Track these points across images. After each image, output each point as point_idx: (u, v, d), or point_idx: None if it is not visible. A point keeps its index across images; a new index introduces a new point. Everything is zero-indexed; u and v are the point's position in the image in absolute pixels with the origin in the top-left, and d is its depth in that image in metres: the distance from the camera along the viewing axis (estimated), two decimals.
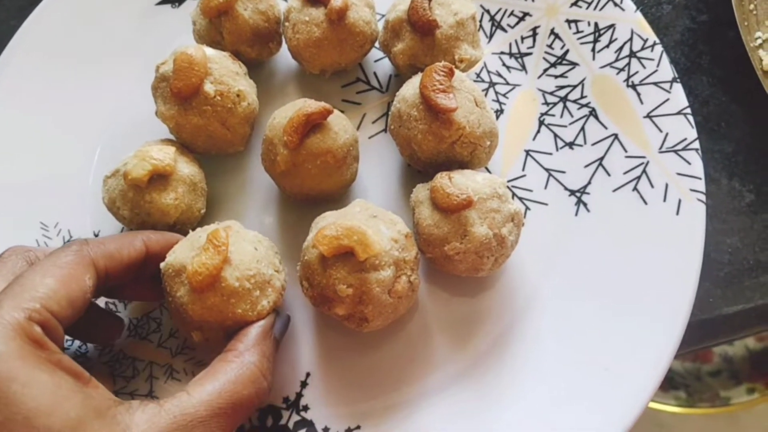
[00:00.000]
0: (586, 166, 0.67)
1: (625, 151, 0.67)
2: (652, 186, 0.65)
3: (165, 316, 0.65)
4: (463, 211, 0.57)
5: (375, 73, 0.73)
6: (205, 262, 0.54)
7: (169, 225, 0.62)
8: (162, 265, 0.58)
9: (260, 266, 0.57)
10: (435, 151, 0.61)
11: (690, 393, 1.23)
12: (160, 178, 0.60)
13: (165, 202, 0.60)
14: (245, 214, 0.68)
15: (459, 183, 0.58)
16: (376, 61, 0.74)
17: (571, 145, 0.69)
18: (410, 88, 0.62)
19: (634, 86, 0.68)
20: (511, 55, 0.73)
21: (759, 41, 0.74)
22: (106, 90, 0.73)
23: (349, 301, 0.55)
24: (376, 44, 0.71)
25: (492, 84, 0.72)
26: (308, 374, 0.62)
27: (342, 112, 0.70)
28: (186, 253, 0.57)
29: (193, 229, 0.60)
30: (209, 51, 0.64)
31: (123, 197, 0.61)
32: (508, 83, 0.72)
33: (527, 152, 0.69)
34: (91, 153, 0.71)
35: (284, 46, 0.72)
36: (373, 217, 0.58)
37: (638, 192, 0.65)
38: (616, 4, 0.70)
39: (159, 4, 0.76)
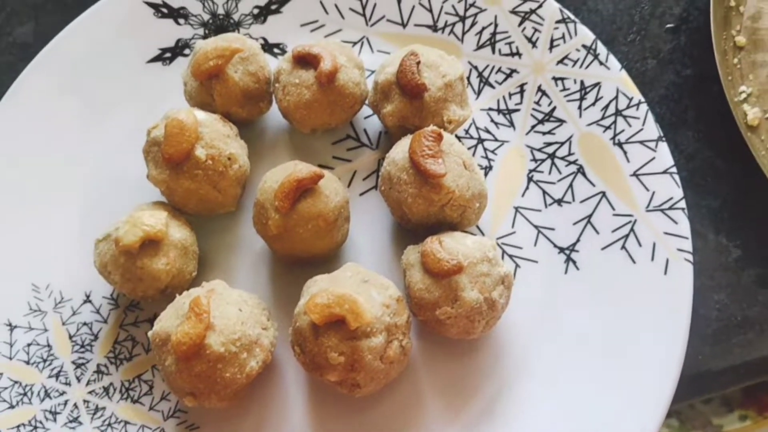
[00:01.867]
0: (575, 223, 0.68)
1: (613, 209, 0.67)
2: (640, 245, 0.65)
3: (157, 378, 0.65)
4: (454, 276, 0.58)
5: (365, 130, 0.74)
6: (187, 332, 0.55)
7: (160, 289, 0.62)
8: (149, 333, 0.58)
9: (245, 328, 0.57)
10: (425, 213, 0.62)
11: (682, 421, 1.23)
12: (151, 243, 0.61)
13: (157, 268, 0.60)
14: (236, 274, 0.68)
15: (449, 247, 0.59)
16: (365, 117, 0.75)
17: (559, 202, 0.69)
18: (400, 152, 0.63)
19: (620, 144, 0.69)
20: (499, 111, 0.74)
21: (743, 95, 0.75)
22: (96, 148, 0.73)
23: (340, 368, 0.55)
24: (366, 102, 0.72)
25: (480, 140, 0.73)
26: None
27: (332, 169, 0.72)
28: (171, 321, 0.57)
29: (180, 293, 0.60)
30: (200, 115, 0.64)
31: (114, 262, 0.61)
32: (496, 139, 0.73)
33: (516, 209, 0.70)
34: (82, 215, 0.70)
35: (274, 104, 0.72)
36: (365, 282, 0.59)
37: (626, 251, 0.66)
38: (601, 63, 0.72)
39: (149, 62, 0.77)
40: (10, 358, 0.64)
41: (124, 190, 0.71)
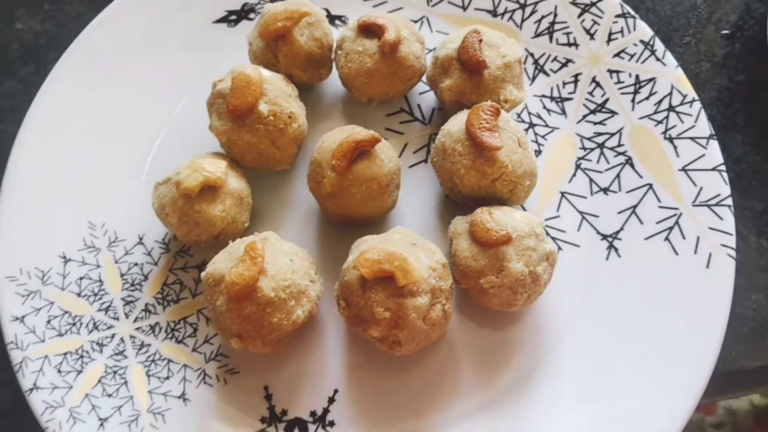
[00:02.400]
0: (620, 212, 0.69)
1: (659, 201, 0.68)
2: (683, 237, 0.66)
3: (201, 322, 0.67)
4: (501, 246, 0.59)
5: (419, 105, 0.76)
6: (242, 273, 0.57)
7: (213, 236, 0.64)
8: (202, 274, 0.60)
9: (295, 277, 0.59)
10: (476, 186, 0.63)
11: None
12: (210, 189, 0.63)
13: (213, 214, 0.62)
14: (286, 230, 0.70)
15: (498, 219, 0.60)
16: (420, 93, 0.76)
17: (605, 190, 0.70)
18: (456, 124, 0.65)
19: (671, 139, 0.70)
20: (552, 98, 0.75)
21: None
22: (161, 101, 0.76)
23: (384, 324, 0.57)
24: (423, 78, 0.73)
25: (532, 125, 0.74)
26: (336, 390, 0.64)
27: (385, 139, 0.73)
28: (225, 263, 0.59)
29: (233, 241, 0.62)
30: (265, 72, 0.66)
31: (173, 204, 0.63)
32: (547, 125, 0.74)
33: (562, 194, 0.71)
34: (142, 160, 0.73)
35: (333, 73, 0.74)
36: (413, 245, 0.60)
37: (670, 242, 0.67)
38: (657, 59, 0.73)
39: (216, 22, 0.79)
40: (63, 289, 0.67)
41: (184, 141, 0.73)
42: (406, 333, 0.57)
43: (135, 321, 0.66)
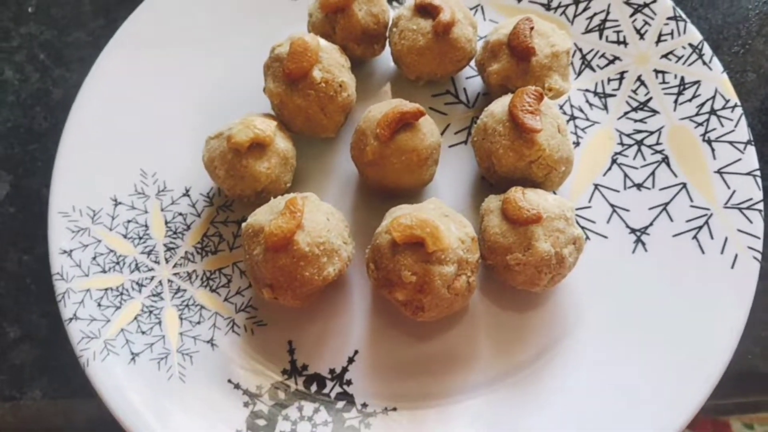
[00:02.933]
0: (651, 208, 0.71)
1: (691, 200, 0.70)
2: (712, 237, 0.67)
3: (236, 274, 0.70)
4: (531, 225, 0.61)
5: (465, 89, 0.78)
6: (281, 225, 0.59)
7: (257, 191, 0.67)
8: (243, 225, 0.63)
9: (330, 236, 0.62)
10: (513, 167, 0.65)
11: None
12: (258, 146, 0.66)
13: (258, 169, 0.65)
14: (325, 194, 0.73)
15: (531, 199, 0.62)
16: (467, 78, 0.79)
17: (639, 186, 0.72)
18: (499, 106, 0.67)
19: (709, 141, 0.71)
20: (595, 93, 0.77)
21: None
22: (219, 62, 0.79)
23: (410, 287, 0.59)
24: (472, 62, 0.76)
25: (573, 117, 0.76)
26: (356, 351, 0.66)
27: None
28: (266, 216, 0.62)
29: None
30: (322, 42, 0.69)
31: (222, 158, 0.66)
32: (588, 119, 0.76)
33: (596, 186, 0.73)
34: (196, 117, 0.77)
35: (386, 51, 0.77)
36: (445, 216, 0.63)
37: (698, 240, 0.68)
38: (704, 63, 0.74)
39: None
40: (110, 229, 0.71)
41: (238, 102, 0.76)
42: (430, 299, 0.60)
43: (174, 266, 0.70)
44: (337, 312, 0.68)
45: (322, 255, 0.61)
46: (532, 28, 0.69)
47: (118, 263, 0.69)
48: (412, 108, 0.65)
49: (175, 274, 0.70)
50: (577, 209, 0.72)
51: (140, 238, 0.71)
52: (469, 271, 0.61)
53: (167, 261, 0.70)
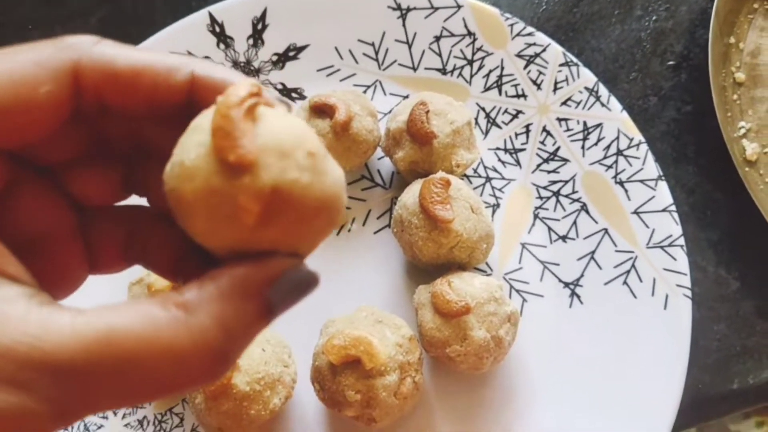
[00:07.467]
0: (579, 258, 0.72)
1: (615, 245, 0.71)
2: (640, 280, 0.69)
3: (187, 411, 0.69)
4: (463, 316, 0.62)
5: (378, 171, 0.78)
6: None
7: None
8: None
9: (268, 367, 0.61)
10: (435, 255, 0.66)
11: (700, 428, 1.26)
12: None
13: None
14: None
15: (458, 288, 0.63)
16: (379, 159, 0.79)
17: (564, 238, 0.73)
18: (410, 197, 0.67)
19: (621, 183, 0.72)
20: (506, 150, 0.77)
21: (743, 131, 0.78)
22: None
23: (357, 405, 0.60)
24: (380, 146, 0.76)
25: (488, 179, 0.76)
26: None
27: (348, 208, 0.76)
28: None
29: None
30: None
31: None
32: (503, 178, 0.76)
33: (523, 245, 0.73)
34: None
35: None
36: (379, 322, 0.63)
37: (628, 286, 0.69)
38: (603, 104, 0.75)
39: None
40: None
41: None
42: (379, 410, 0.60)
43: (123, 417, 0.69)
44: (294, 429, 0.68)
45: (264, 389, 0.61)
46: (427, 112, 0.69)
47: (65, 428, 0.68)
48: None
49: (125, 425, 0.69)
50: (508, 273, 0.73)
51: None
52: (412, 371, 0.62)
53: (115, 413, 0.69)
